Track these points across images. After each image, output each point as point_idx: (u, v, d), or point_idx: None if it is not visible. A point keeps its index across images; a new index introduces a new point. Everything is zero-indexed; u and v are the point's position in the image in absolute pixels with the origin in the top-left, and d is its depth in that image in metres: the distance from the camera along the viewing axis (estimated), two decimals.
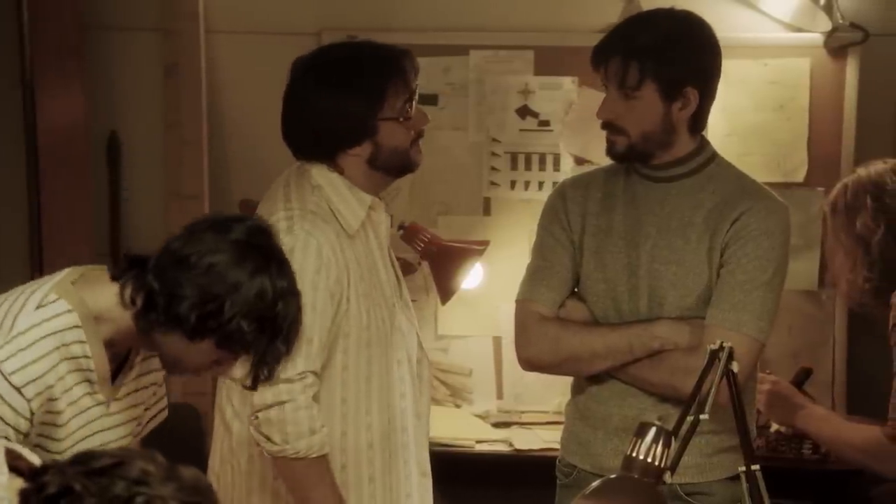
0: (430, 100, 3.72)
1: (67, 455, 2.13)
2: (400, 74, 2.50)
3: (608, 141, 2.60)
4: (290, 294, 2.10)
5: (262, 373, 2.14)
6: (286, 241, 2.41)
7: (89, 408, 2.14)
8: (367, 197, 2.52)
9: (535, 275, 2.68)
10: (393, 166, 2.54)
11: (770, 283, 2.54)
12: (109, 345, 2.13)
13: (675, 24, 2.56)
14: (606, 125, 2.58)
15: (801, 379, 3.06)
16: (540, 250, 2.70)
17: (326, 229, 2.46)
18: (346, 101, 2.46)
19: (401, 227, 3.30)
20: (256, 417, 2.41)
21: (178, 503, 1.34)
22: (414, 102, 2.52)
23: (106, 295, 2.10)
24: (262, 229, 2.15)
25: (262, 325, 2.06)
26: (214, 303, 2.04)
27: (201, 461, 3.69)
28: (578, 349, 2.60)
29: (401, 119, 2.49)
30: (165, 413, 2.37)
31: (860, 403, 3.46)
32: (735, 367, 2.20)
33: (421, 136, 2.57)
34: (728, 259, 2.54)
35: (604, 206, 2.65)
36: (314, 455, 2.41)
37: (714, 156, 2.64)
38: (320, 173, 2.52)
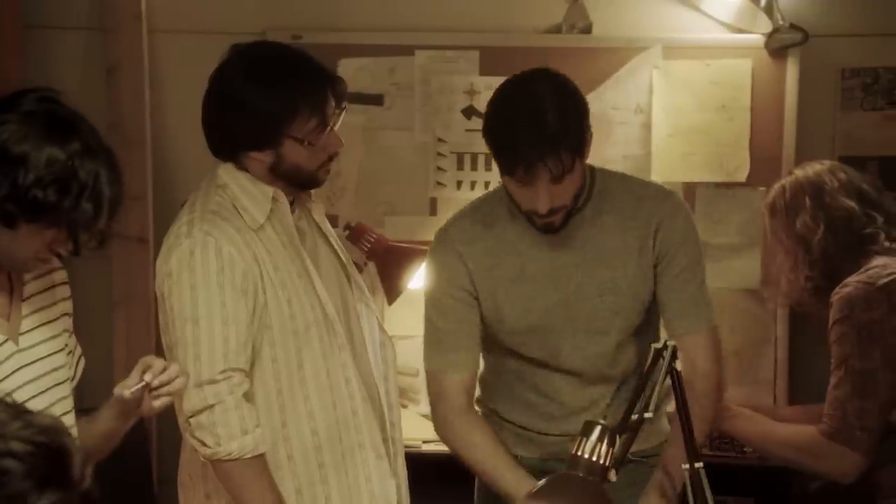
0: (376, 100, 3.72)
1: None
2: (317, 102, 2.46)
3: (546, 223, 2.55)
4: (87, 152, 2.05)
5: (83, 238, 2.08)
6: (186, 245, 2.42)
7: None
8: (269, 189, 2.51)
9: (444, 341, 2.69)
10: (295, 180, 2.53)
11: (703, 271, 2.66)
12: None
13: (556, 91, 2.49)
14: (547, 212, 2.51)
15: None
16: (441, 312, 2.70)
17: (226, 227, 2.45)
18: (259, 105, 2.44)
19: (347, 227, 3.30)
20: (189, 424, 2.41)
21: (20, 441, 1.34)
22: (328, 129, 2.48)
23: None
24: (49, 97, 2.09)
25: (62, 189, 2.02)
26: (6, 181, 2.00)
27: (146, 461, 3.67)
28: (473, 466, 2.69)
29: (305, 143, 2.47)
30: (79, 353, 2.37)
31: (801, 401, 3.49)
32: (679, 365, 2.23)
33: (332, 159, 2.55)
34: (663, 272, 2.62)
35: (501, 254, 2.64)
36: (248, 456, 2.40)
37: (594, 171, 2.65)
38: (226, 171, 2.52)
